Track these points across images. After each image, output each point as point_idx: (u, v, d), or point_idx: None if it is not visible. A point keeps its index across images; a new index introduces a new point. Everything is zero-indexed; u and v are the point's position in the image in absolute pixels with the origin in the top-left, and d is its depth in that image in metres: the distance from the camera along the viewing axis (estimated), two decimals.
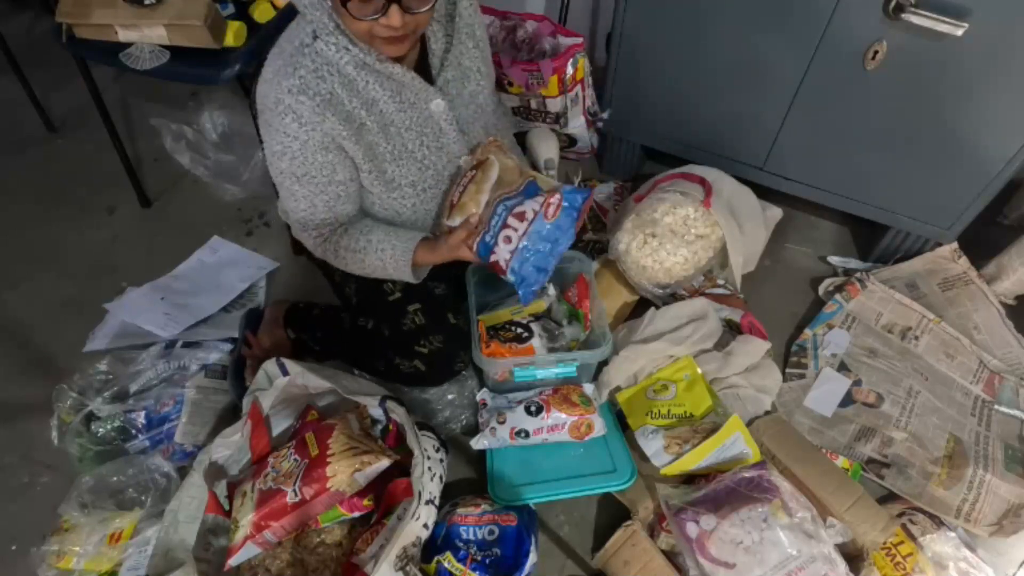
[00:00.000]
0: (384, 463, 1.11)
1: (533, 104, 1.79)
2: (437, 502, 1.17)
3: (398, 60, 1.05)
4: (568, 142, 1.90)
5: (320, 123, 1.03)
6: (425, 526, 1.11)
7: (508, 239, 1.10)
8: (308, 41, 1.02)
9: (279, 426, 1.28)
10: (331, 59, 1.03)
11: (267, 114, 1.05)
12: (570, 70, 1.70)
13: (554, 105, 1.76)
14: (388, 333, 1.27)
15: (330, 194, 1.12)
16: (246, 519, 1.09)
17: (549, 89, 1.72)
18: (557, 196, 1.10)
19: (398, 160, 1.14)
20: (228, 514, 1.16)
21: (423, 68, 1.13)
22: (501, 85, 1.77)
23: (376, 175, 1.14)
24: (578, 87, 1.76)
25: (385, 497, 1.13)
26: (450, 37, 1.14)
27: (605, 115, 1.77)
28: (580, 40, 1.71)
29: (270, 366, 1.25)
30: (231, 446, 1.22)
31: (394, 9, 0.93)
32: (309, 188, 1.11)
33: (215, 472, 1.20)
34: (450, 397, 1.41)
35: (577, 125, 1.83)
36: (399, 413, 1.16)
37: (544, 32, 1.75)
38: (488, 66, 1.24)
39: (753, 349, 1.47)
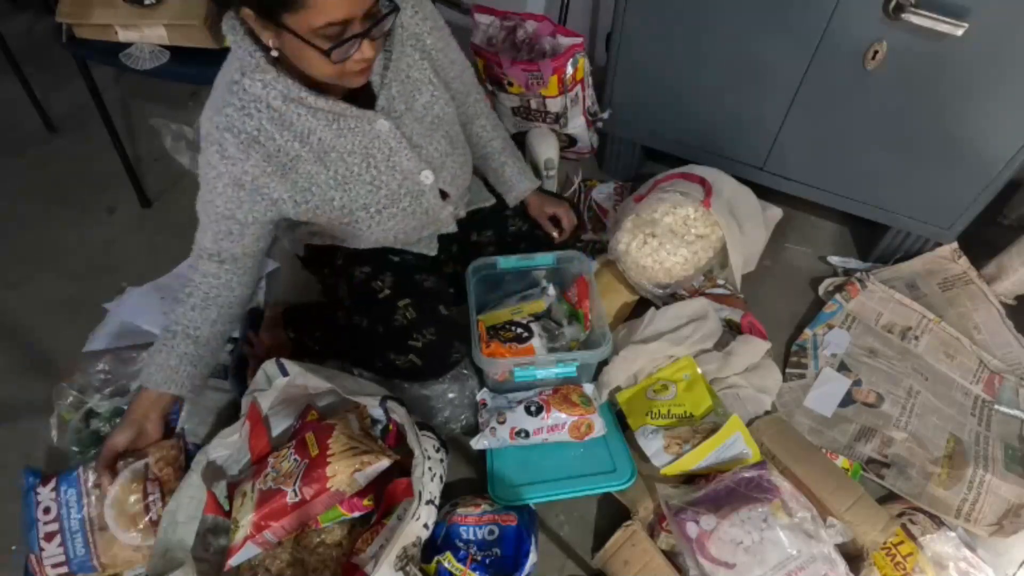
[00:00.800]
0: (384, 463, 1.11)
1: (533, 104, 1.79)
2: (437, 502, 1.17)
3: (325, 91, 1.05)
4: (568, 142, 1.90)
5: (243, 160, 1.04)
6: (425, 526, 1.11)
7: None
8: (236, 78, 1.02)
9: (279, 426, 1.28)
10: (258, 95, 1.02)
11: (201, 140, 1.08)
12: (570, 70, 1.70)
13: (554, 105, 1.77)
14: (382, 330, 1.27)
15: (222, 227, 1.12)
16: (246, 519, 1.08)
17: (549, 89, 1.72)
18: None
19: (343, 185, 1.13)
20: (228, 514, 1.16)
21: (364, 88, 1.10)
22: (501, 85, 1.77)
23: (320, 204, 1.13)
24: (578, 87, 1.76)
25: (385, 497, 1.13)
26: (389, 52, 1.11)
27: (605, 115, 1.77)
28: (580, 40, 1.71)
29: (269, 367, 1.25)
30: (230, 446, 1.22)
31: (366, 43, 0.95)
32: (207, 216, 1.12)
33: (214, 472, 1.20)
34: (451, 396, 1.41)
35: (577, 125, 1.83)
36: (399, 413, 1.16)
37: (544, 32, 1.76)
38: (446, 75, 1.22)
39: (753, 349, 1.47)
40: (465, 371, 1.42)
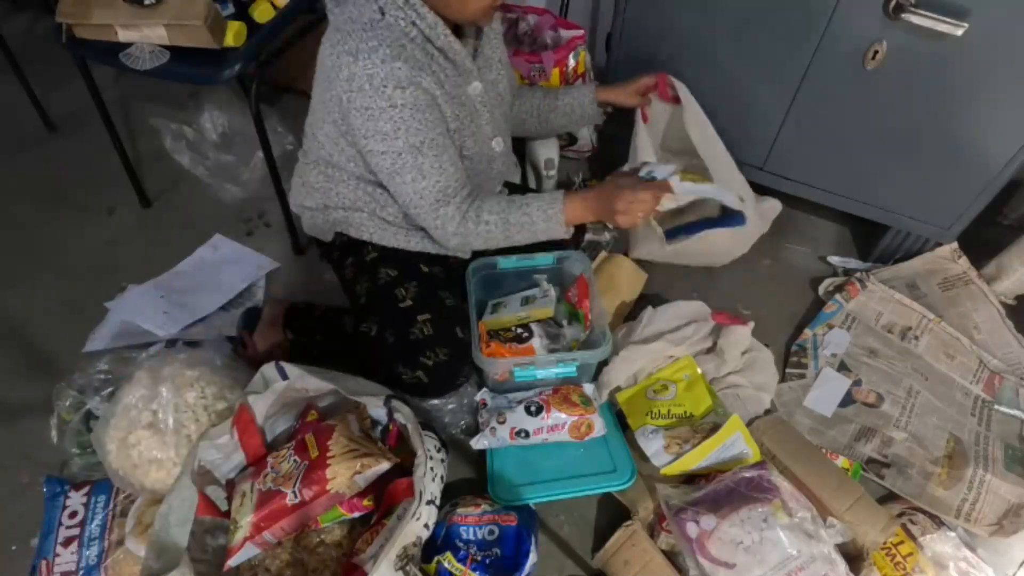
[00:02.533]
0: (384, 466, 1.11)
1: None
2: (438, 502, 1.17)
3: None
4: (568, 141, 1.89)
5: (420, 82, 1.05)
6: (426, 526, 1.11)
7: None
8: (377, 17, 1.04)
9: (279, 426, 1.27)
10: (405, 31, 1.05)
11: (364, 98, 1.04)
12: (572, 62, 1.70)
13: None
14: (393, 340, 1.26)
15: (452, 152, 1.12)
16: (245, 520, 1.08)
17: (551, 82, 1.71)
18: None
19: (455, 132, 1.17)
20: (224, 514, 1.16)
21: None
22: None
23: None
24: (579, 81, 1.75)
25: (385, 497, 1.13)
26: (480, 27, 1.20)
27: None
28: (582, 32, 1.71)
29: (268, 369, 1.23)
30: (220, 448, 1.20)
31: None
32: (434, 151, 1.10)
33: (204, 474, 1.19)
34: (450, 407, 1.41)
35: None
36: (403, 412, 1.16)
37: (545, 25, 1.75)
38: (506, 57, 1.29)
39: (739, 337, 1.46)
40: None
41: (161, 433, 1.17)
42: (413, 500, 1.06)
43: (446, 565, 1.15)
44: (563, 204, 1.19)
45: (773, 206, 1.71)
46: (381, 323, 1.28)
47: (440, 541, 1.19)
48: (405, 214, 1.26)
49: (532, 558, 1.19)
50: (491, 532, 1.20)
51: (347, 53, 1.03)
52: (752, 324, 1.47)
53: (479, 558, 1.16)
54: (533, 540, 1.21)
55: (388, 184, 1.17)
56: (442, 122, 1.11)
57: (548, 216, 1.19)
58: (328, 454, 1.10)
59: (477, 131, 1.21)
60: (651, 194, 1.17)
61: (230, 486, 1.19)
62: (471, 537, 1.20)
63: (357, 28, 1.03)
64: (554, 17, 1.76)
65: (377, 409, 1.22)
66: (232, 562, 1.10)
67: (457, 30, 1.17)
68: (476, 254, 1.42)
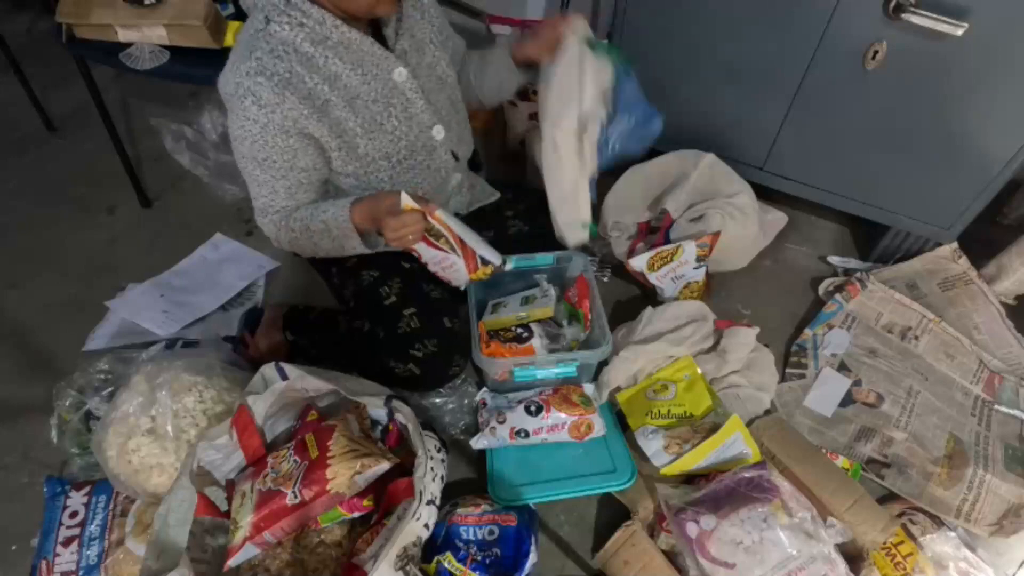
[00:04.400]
0: (384, 466, 1.11)
1: None
2: (438, 502, 1.17)
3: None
4: None
5: (280, 104, 1.04)
6: (426, 526, 1.11)
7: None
8: (261, 26, 1.04)
9: (278, 425, 1.27)
10: (285, 39, 1.04)
11: (228, 100, 1.07)
12: None
13: None
14: (383, 336, 1.27)
15: (291, 180, 1.13)
16: (245, 520, 1.08)
17: None
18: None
19: (369, 134, 1.15)
20: (225, 514, 1.16)
21: (378, 41, 1.14)
22: (524, 92, 1.72)
23: (347, 152, 1.15)
24: None
25: (385, 497, 1.13)
26: (400, 10, 1.17)
27: None
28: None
29: (268, 370, 1.24)
30: (219, 449, 1.20)
31: None
32: (270, 173, 1.11)
33: (204, 475, 1.19)
34: (451, 407, 1.41)
35: None
36: (404, 413, 1.16)
37: None
38: (443, 36, 1.26)
39: (744, 339, 1.46)
40: (462, 380, 1.42)
41: (161, 439, 1.17)
42: (413, 500, 1.06)
43: (446, 565, 1.15)
44: (349, 212, 1.13)
45: (778, 219, 1.71)
46: (371, 321, 1.28)
47: (440, 541, 1.19)
48: None
49: (532, 558, 1.19)
50: (491, 532, 1.20)
51: (230, 59, 1.07)
52: (757, 329, 1.48)
53: (479, 558, 1.16)
54: (533, 540, 1.21)
55: None
56: (296, 152, 1.10)
57: (339, 223, 1.14)
58: (328, 454, 1.10)
59: (410, 120, 1.18)
60: (413, 219, 1.09)
61: (230, 486, 1.19)
62: (471, 537, 1.20)
63: (244, 40, 1.06)
64: None
65: (377, 409, 1.22)
66: (232, 562, 1.10)
67: (374, 22, 1.15)
68: None
